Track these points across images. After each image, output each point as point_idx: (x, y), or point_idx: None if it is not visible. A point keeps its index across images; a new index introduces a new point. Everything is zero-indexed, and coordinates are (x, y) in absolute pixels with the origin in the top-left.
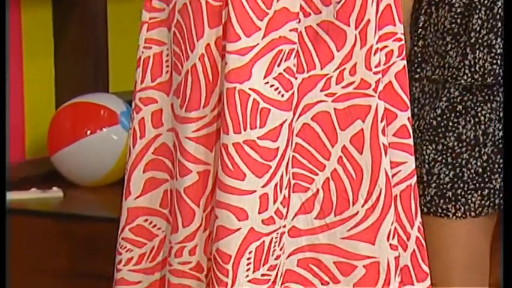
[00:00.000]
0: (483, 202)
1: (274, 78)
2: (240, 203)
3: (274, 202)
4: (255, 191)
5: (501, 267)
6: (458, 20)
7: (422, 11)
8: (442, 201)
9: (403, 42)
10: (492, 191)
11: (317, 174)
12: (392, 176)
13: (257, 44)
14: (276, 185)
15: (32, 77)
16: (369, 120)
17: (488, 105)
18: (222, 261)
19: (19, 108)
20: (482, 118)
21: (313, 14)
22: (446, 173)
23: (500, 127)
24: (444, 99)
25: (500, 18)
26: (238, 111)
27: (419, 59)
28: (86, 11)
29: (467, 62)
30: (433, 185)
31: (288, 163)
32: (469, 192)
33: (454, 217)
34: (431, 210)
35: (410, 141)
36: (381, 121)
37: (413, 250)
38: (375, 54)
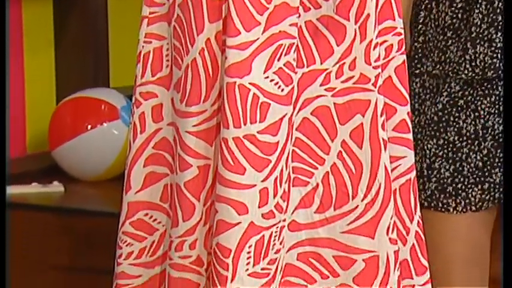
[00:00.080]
0: (483, 196)
1: (274, 72)
2: (240, 197)
3: (274, 196)
4: (255, 185)
5: (501, 261)
6: (459, 15)
7: (422, 7)
8: (442, 195)
9: (402, 36)
10: (492, 185)
11: (317, 169)
12: (392, 170)
13: (257, 39)
14: (276, 179)
15: (32, 72)
16: (369, 114)
17: (488, 99)
18: (222, 255)
19: (20, 103)
20: (481, 112)
21: (313, 8)
22: (447, 167)
23: (500, 121)
24: (445, 94)
25: (500, 12)
26: (238, 105)
27: (420, 55)
28: (86, 6)
29: (468, 57)
30: (434, 179)
31: (287, 157)
32: (469, 186)
33: (455, 211)
34: (432, 204)
35: (410, 135)
36: (381, 116)
37: (413, 244)
38: (374, 48)
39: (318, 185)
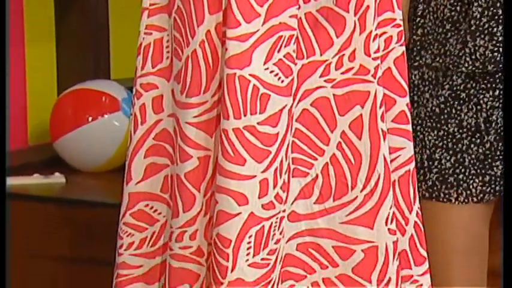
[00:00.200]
0: (484, 188)
1: (274, 64)
2: (240, 188)
3: (274, 187)
4: (255, 176)
5: (501, 253)
6: (458, 8)
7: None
8: (443, 186)
9: (402, 28)
10: (493, 178)
11: (316, 160)
12: (391, 161)
13: (257, 30)
14: (275, 170)
15: (34, 64)
16: (368, 106)
17: (491, 92)
18: (222, 246)
19: (21, 95)
20: (484, 106)
21: (312, 0)
22: (448, 158)
23: (502, 114)
24: (447, 87)
25: (500, 6)
26: (239, 97)
27: (419, 47)
28: None
29: (467, 50)
30: (435, 170)
31: (287, 148)
32: (470, 177)
33: (457, 202)
34: (434, 195)
35: (409, 127)
36: (380, 107)
37: (412, 235)
38: (374, 40)
39: (317, 175)
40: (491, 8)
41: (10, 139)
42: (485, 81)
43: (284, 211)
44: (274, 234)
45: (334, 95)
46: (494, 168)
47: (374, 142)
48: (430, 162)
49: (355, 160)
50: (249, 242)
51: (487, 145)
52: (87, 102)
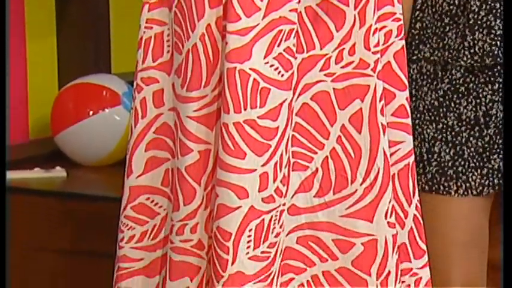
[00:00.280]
0: (483, 181)
1: (274, 58)
2: (241, 181)
3: (274, 181)
4: (255, 169)
5: (501, 247)
6: (456, 1)
7: None
8: (443, 179)
9: (401, 22)
10: (491, 171)
11: (316, 153)
12: (391, 155)
13: (257, 24)
14: (275, 164)
15: (34, 58)
16: (368, 99)
17: (490, 86)
18: (222, 239)
19: (22, 89)
20: (483, 99)
21: None
22: (447, 151)
23: (502, 108)
24: (446, 80)
25: (498, 0)
26: (239, 90)
27: (417, 41)
28: None
29: (466, 44)
30: (434, 163)
31: (287, 142)
32: (469, 170)
33: (456, 195)
34: (433, 188)
35: (409, 120)
36: (380, 101)
37: (411, 228)
38: (373, 34)
39: (317, 169)
40: (489, 2)
41: (11, 133)
42: (484, 75)
43: (284, 204)
44: (274, 228)
45: (334, 89)
46: (492, 162)
47: (374, 136)
48: (429, 155)
49: (355, 154)
50: (249, 236)
51: (486, 138)
52: (88, 96)
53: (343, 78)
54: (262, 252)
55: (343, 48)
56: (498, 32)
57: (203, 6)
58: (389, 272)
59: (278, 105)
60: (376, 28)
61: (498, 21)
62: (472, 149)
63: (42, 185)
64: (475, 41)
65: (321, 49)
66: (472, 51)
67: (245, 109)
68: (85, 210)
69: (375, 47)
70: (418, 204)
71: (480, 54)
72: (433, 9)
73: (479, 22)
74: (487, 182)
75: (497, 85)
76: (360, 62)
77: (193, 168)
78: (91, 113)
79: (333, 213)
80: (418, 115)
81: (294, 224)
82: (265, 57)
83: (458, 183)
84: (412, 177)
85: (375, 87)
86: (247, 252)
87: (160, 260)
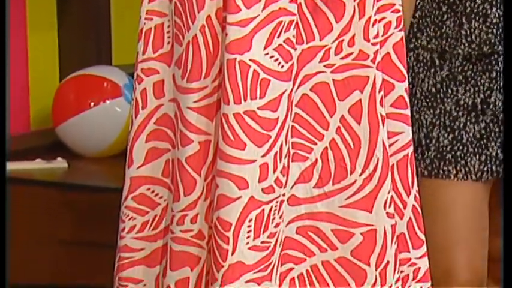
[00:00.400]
0: (482, 167)
1: (274, 49)
2: (241, 172)
3: (274, 171)
4: (255, 160)
5: (501, 239)
6: None
7: None
8: (442, 163)
9: (401, 13)
10: (489, 157)
11: (316, 144)
12: (390, 145)
13: (257, 16)
14: (275, 155)
15: (36, 50)
16: (367, 90)
17: (487, 74)
18: (222, 229)
19: (24, 81)
20: (481, 87)
21: None
22: (445, 136)
23: (501, 97)
24: (446, 68)
25: None
26: (239, 82)
27: (415, 29)
28: None
29: (463, 32)
30: (433, 148)
31: (287, 133)
32: (468, 155)
33: (456, 178)
34: (433, 173)
35: (408, 111)
36: (379, 92)
37: (410, 218)
38: (373, 25)
39: (317, 160)
40: None
41: (13, 124)
42: (483, 63)
43: (284, 195)
44: (274, 218)
45: (333, 80)
46: (490, 149)
47: (373, 127)
48: (428, 140)
49: (354, 144)
50: (249, 226)
51: (482, 125)
52: (89, 88)
53: (342, 70)
54: (262, 242)
55: (343, 40)
56: (494, 20)
57: None
58: (388, 262)
59: (278, 96)
60: (376, 19)
61: (494, 9)
62: (471, 134)
63: (44, 176)
64: (472, 30)
65: (321, 40)
66: (469, 39)
67: (245, 100)
68: (86, 200)
69: (374, 38)
70: (417, 195)
71: (477, 42)
72: None
73: (475, 10)
74: (485, 168)
75: (494, 73)
76: (360, 53)
77: (193, 159)
78: (92, 104)
79: (332, 204)
80: (416, 101)
81: (293, 215)
82: (265, 49)
83: (458, 168)
84: (411, 168)
85: (374, 79)
86: (247, 242)
87: (161, 250)
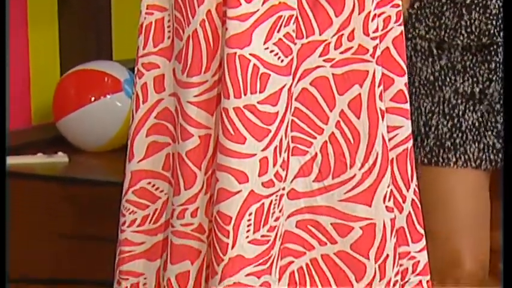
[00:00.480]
0: (480, 155)
1: (274, 43)
2: (241, 166)
3: (274, 165)
4: (255, 154)
5: (500, 231)
6: None
7: None
8: (441, 150)
9: (400, 8)
10: (486, 146)
11: (315, 138)
12: (389, 140)
13: (257, 10)
14: (275, 149)
15: (37, 45)
16: (367, 85)
17: (486, 65)
18: (222, 223)
19: (25, 75)
20: (480, 78)
21: None
22: (444, 123)
23: (499, 88)
24: (444, 58)
25: None
26: (239, 76)
27: (413, 20)
28: None
29: (463, 23)
30: (432, 136)
31: (287, 127)
32: (467, 142)
33: (455, 166)
34: (433, 160)
35: (407, 105)
36: (378, 86)
37: (409, 212)
38: (372, 20)
39: (316, 154)
40: None
41: (14, 119)
42: (482, 54)
43: (284, 189)
44: (273, 212)
45: (333, 74)
46: (487, 138)
47: (372, 121)
48: (427, 128)
49: (354, 139)
50: (249, 219)
51: (479, 113)
52: (89, 82)
53: (342, 64)
54: (262, 236)
55: (342, 34)
56: (494, 11)
57: None
58: (387, 256)
59: (278, 91)
60: (375, 14)
61: (494, 0)
62: (470, 122)
63: (45, 170)
64: (472, 21)
65: (320, 35)
66: (468, 30)
67: (245, 94)
68: (87, 195)
69: (373, 32)
70: (416, 189)
71: (476, 33)
72: None
73: (475, 1)
74: (484, 156)
75: (493, 64)
76: (359, 47)
77: (193, 153)
78: (93, 99)
79: (331, 198)
80: (414, 90)
81: (293, 208)
82: (265, 43)
83: (457, 155)
84: (410, 162)
85: (374, 73)
86: (247, 236)
87: (162, 243)
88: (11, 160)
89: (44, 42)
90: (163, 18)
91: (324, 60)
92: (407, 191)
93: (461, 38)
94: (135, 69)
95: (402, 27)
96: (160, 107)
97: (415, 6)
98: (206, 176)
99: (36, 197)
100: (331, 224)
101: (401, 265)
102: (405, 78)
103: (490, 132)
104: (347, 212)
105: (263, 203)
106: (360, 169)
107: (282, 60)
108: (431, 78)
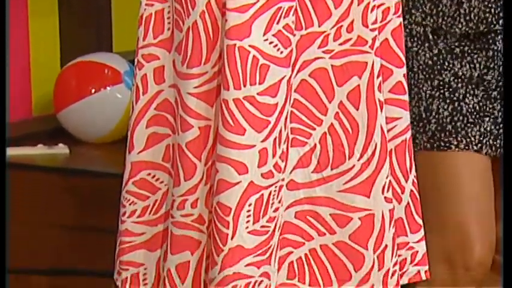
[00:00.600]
0: (481, 139)
1: (273, 35)
2: (240, 157)
3: (273, 156)
4: (255, 145)
5: (501, 222)
6: None
7: None
8: (442, 134)
9: (399, 0)
10: (485, 131)
11: (314, 129)
12: (388, 131)
13: (257, 1)
14: (274, 140)
15: (37, 36)
16: (365, 76)
17: (484, 52)
18: (222, 214)
19: (25, 67)
20: (477, 65)
21: None
22: (445, 107)
23: (497, 75)
24: (441, 44)
25: None
26: (238, 67)
27: (410, 6)
28: None
29: (462, 11)
30: (433, 120)
31: (286, 118)
32: (468, 125)
33: (457, 149)
34: (434, 145)
35: (406, 97)
36: (377, 77)
37: (408, 203)
38: (371, 11)
39: (315, 145)
40: None
41: (15, 110)
42: (480, 41)
43: (283, 180)
44: (273, 203)
45: (332, 65)
46: (485, 123)
47: (371, 112)
48: (428, 113)
49: (353, 130)
50: (248, 210)
51: (476, 99)
52: (89, 74)
53: (341, 55)
54: (262, 226)
55: (342, 25)
56: None
57: None
58: (386, 246)
59: (277, 82)
60: (374, 5)
61: None
62: (471, 106)
63: (45, 162)
64: (471, 8)
65: (320, 26)
66: (467, 18)
67: (245, 86)
68: (87, 186)
69: (372, 24)
70: (415, 180)
71: (475, 21)
72: None
73: None
74: (484, 141)
75: (491, 52)
76: (358, 39)
77: (193, 144)
78: (93, 91)
79: (330, 189)
80: (413, 75)
81: (292, 199)
82: (264, 34)
83: (458, 138)
84: (409, 153)
85: (373, 64)
86: (247, 227)
87: (162, 234)
88: (12, 151)
89: (44, 33)
90: (163, 10)
91: (323, 52)
92: (406, 181)
93: (460, 25)
94: (135, 60)
95: (401, 19)
96: (160, 98)
97: None
98: (206, 167)
99: (36, 188)
100: (330, 214)
101: (399, 255)
102: (404, 70)
103: (487, 119)
104: (346, 202)
105: (262, 194)
106: (358, 160)
107: (281, 52)
108: (430, 62)
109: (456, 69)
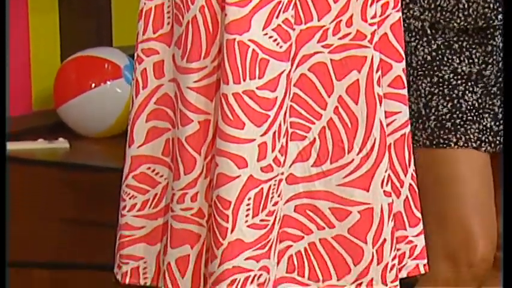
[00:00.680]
0: (480, 136)
1: (272, 29)
2: (240, 151)
3: (273, 150)
4: (254, 139)
5: (501, 218)
6: None
7: None
8: (442, 131)
9: None
10: (484, 128)
11: (314, 123)
12: (387, 125)
13: None
14: (274, 134)
15: (37, 31)
16: (365, 70)
17: (483, 47)
18: (222, 207)
19: (26, 62)
20: (476, 60)
21: None
22: (444, 104)
23: (496, 71)
24: (439, 39)
25: None
26: (238, 62)
27: (408, 1)
28: None
29: (461, 6)
30: (432, 117)
31: (285, 112)
32: (467, 123)
33: (456, 146)
34: (434, 142)
35: (405, 91)
36: (376, 72)
37: (407, 197)
38: (371, 5)
39: (315, 139)
40: None
41: (15, 105)
42: (478, 36)
43: (282, 174)
44: (272, 197)
45: (331, 60)
46: (484, 120)
47: (370, 106)
48: (427, 110)
49: (352, 124)
50: (248, 204)
51: (478, 94)
52: (89, 69)
53: (340, 50)
54: (261, 220)
55: (341, 20)
56: None
57: None
58: (384, 240)
59: (277, 76)
60: (374, 0)
61: None
62: (470, 103)
63: (46, 156)
64: (470, 3)
65: (319, 21)
66: (466, 13)
67: (244, 80)
68: (87, 180)
69: (371, 18)
70: (414, 174)
71: (474, 16)
72: None
73: None
74: (483, 138)
75: (490, 47)
76: (357, 33)
77: (193, 138)
78: (93, 85)
79: (329, 182)
80: (412, 71)
81: (291, 193)
82: (264, 29)
83: (458, 135)
84: (408, 147)
85: (372, 59)
86: (246, 220)
87: (162, 228)
88: (12, 146)
89: (44, 28)
90: (163, 4)
91: (322, 46)
92: (405, 176)
93: (458, 20)
94: (135, 55)
95: (400, 14)
96: (160, 93)
97: None
98: (206, 161)
99: (36, 183)
100: (329, 208)
101: (398, 249)
102: (403, 64)
103: (487, 115)
104: (345, 196)
105: (262, 188)
106: (357, 154)
107: (280, 46)
108: (429, 58)
109: (455, 66)
